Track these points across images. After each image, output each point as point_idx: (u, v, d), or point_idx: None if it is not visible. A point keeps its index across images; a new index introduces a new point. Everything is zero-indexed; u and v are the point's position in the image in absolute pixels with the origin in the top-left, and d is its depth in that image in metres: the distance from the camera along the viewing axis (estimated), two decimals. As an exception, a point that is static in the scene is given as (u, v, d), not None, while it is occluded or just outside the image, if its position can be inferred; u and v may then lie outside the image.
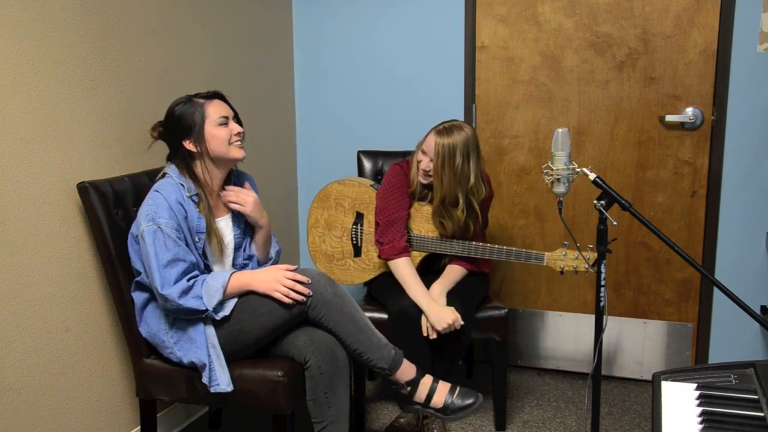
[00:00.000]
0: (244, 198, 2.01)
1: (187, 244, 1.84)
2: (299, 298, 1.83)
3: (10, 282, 1.74)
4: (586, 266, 2.15)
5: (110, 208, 1.92)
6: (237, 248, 2.05)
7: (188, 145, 1.89)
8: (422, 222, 2.35)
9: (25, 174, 1.77)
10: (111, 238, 1.90)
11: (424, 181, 2.30)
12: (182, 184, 1.88)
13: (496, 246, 2.27)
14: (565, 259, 2.20)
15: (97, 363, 2.03)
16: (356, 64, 3.04)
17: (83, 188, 1.88)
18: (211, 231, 1.91)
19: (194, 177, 1.92)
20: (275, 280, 1.84)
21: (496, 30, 2.80)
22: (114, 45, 2.06)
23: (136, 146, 2.11)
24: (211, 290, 1.82)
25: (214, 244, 1.92)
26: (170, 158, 1.96)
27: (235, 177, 2.08)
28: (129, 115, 2.12)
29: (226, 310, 1.85)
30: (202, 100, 1.92)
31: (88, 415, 1.99)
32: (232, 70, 2.70)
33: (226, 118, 1.93)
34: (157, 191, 1.84)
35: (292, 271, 1.87)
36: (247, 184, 2.09)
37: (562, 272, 2.21)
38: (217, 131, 1.90)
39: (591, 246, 2.14)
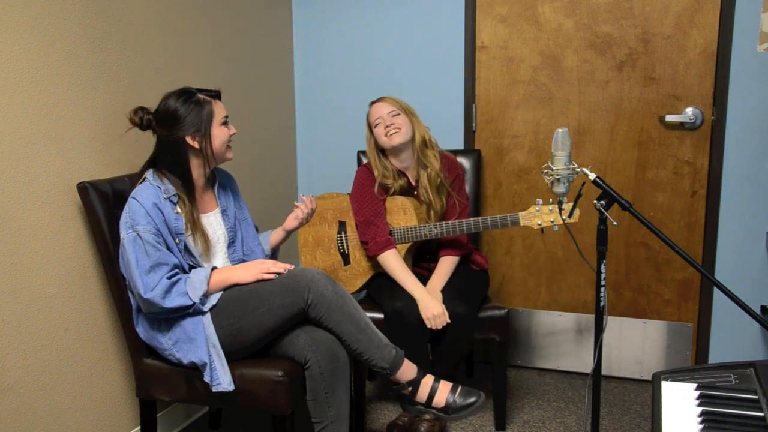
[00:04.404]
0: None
1: (169, 247, 1.84)
2: (282, 270, 1.88)
3: (10, 282, 1.74)
4: (564, 217, 2.01)
5: (110, 208, 1.92)
6: (231, 243, 2.06)
7: (191, 141, 1.89)
8: (399, 214, 2.38)
9: (25, 174, 1.77)
10: (111, 238, 1.90)
11: (394, 142, 2.35)
12: (159, 187, 1.87)
13: (472, 219, 2.28)
14: (540, 215, 2.15)
15: (97, 363, 2.03)
16: (356, 64, 3.04)
17: (83, 188, 1.88)
18: (195, 226, 1.91)
19: (183, 174, 1.91)
20: (257, 268, 1.90)
21: (496, 30, 2.80)
22: (114, 45, 2.07)
23: (136, 146, 2.11)
24: (195, 283, 1.84)
25: (199, 239, 1.92)
26: (151, 161, 1.95)
27: (218, 174, 2.11)
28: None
29: (213, 300, 1.87)
30: (209, 98, 1.93)
31: (88, 415, 2.00)
32: (232, 70, 2.70)
33: (227, 118, 1.96)
34: (133, 198, 1.84)
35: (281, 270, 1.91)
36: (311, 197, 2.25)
37: (542, 231, 2.17)
38: (220, 131, 1.93)
39: (566, 199, 2.10)
